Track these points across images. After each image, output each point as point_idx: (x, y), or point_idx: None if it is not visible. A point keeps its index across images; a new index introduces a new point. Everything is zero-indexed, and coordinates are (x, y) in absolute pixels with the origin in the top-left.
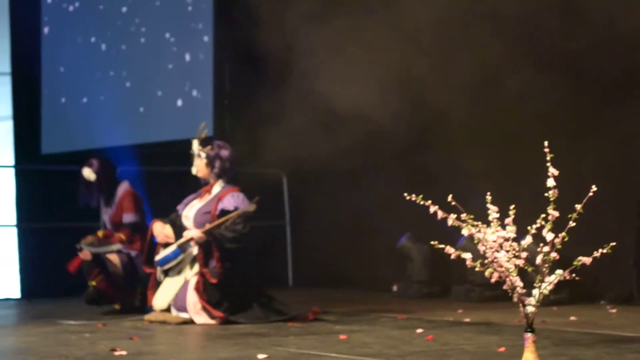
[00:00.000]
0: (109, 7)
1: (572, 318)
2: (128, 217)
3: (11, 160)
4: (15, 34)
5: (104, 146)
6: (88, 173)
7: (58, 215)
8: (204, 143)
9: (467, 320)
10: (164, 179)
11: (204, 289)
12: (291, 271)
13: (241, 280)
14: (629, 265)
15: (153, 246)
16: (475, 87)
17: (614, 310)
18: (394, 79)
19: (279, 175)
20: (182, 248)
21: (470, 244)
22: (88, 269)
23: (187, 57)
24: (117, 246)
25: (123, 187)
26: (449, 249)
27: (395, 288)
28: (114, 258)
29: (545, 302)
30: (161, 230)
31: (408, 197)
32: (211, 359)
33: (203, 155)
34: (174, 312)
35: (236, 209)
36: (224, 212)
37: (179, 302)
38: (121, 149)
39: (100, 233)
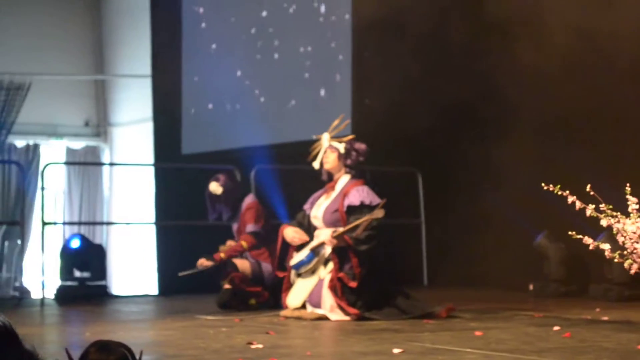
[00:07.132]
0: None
1: None
2: (249, 227)
3: (151, 159)
4: (156, 38)
5: (241, 146)
6: (215, 187)
7: (195, 213)
8: (334, 137)
9: (605, 318)
10: (298, 177)
11: (342, 292)
12: (426, 270)
13: (377, 280)
14: None
15: (285, 251)
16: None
17: None
18: None
19: (415, 174)
20: (316, 251)
21: (609, 241)
22: (220, 272)
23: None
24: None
25: (247, 201)
26: (587, 239)
27: (531, 287)
28: (243, 264)
29: None
30: (294, 234)
31: (545, 187)
32: (346, 353)
33: (340, 146)
34: (309, 308)
35: (362, 203)
36: (350, 208)
37: (314, 299)
38: (257, 148)
39: (230, 243)
